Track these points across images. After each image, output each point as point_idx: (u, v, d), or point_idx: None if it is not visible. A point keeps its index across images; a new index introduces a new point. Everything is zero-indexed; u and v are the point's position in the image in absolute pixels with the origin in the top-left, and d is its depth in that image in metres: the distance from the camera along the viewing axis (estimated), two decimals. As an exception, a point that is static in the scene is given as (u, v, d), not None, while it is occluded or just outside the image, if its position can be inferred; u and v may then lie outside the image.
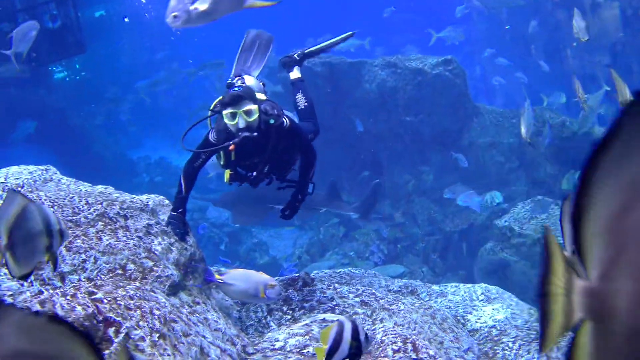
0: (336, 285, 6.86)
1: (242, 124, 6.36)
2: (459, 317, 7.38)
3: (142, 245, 4.87)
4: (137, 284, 4.49)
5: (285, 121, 6.75)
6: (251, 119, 6.36)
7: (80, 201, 5.19)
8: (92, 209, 5.10)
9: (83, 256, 4.60)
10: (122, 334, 3.83)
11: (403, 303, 6.58)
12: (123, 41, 30.68)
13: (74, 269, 4.54)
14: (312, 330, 5.61)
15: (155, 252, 4.93)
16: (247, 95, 6.46)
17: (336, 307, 6.19)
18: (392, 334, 5.65)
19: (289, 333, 5.51)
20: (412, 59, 17.48)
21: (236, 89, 6.54)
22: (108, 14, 30.17)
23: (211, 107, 7.12)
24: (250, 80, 7.37)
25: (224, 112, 6.37)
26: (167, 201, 5.82)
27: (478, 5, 34.02)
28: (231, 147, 6.50)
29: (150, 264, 4.75)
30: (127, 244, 4.78)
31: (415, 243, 16.09)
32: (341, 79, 17.15)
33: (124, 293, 4.17)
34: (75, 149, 22.23)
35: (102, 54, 28.29)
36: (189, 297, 5.05)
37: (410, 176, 17.19)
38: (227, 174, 6.96)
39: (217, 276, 5.14)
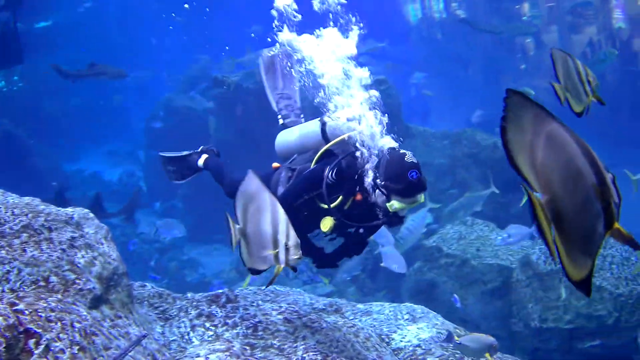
0: (260, 302, 6.92)
1: (405, 212, 5.85)
2: (383, 336, 7.44)
3: (66, 257, 4.90)
4: (59, 296, 4.52)
5: None
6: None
7: (7, 212, 5.20)
8: (17, 220, 5.10)
9: (7, 267, 4.60)
10: (42, 346, 3.86)
11: (326, 321, 6.66)
12: (65, 52, 30.40)
13: (-3, 280, 4.56)
14: (233, 346, 5.67)
15: (78, 265, 4.95)
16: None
17: (259, 324, 6.26)
18: (312, 352, 5.73)
19: (209, 349, 5.56)
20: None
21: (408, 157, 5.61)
22: (54, 24, 29.98)
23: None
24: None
25: (400, 202, 5.56)
26: (91, 214, 5.81)
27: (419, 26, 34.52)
28: (358, 197, 5.93)
29: (73, 276, 4.78)
30: (50, 256, 4.81)
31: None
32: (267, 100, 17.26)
33: (45, 305, 4.21)
34: (11, 159, 22.08)
35: (42, 65, 28.13)
36: (111, 311, 5.08)
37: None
38: (329, 221, 6.01)
39: (456, 338, 6.77)
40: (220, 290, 6.94)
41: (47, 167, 23.96)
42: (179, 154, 8.01)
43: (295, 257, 4.64)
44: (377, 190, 5.69)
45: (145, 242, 19.45)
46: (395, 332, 7.63)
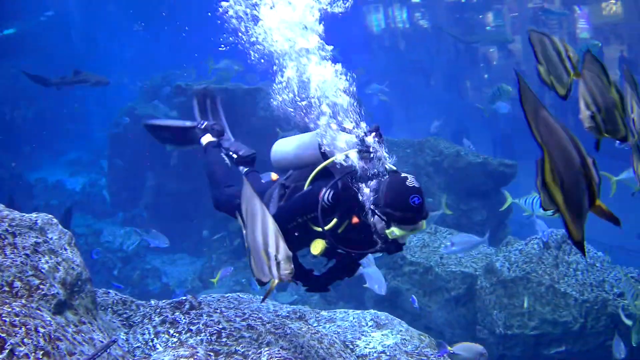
0: (223, 309, 6.92)
1: (405, 239, 5.52)
2: (347, 343, 7.47)
3: (29, 263, 4.88)
4: (23, 301, 4.51)
5: None
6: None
7: (-31, 219, 5.19)
8: (-20, 226, 5.09)
9: (-30, 273, 4.60)
10: (7, 350, 3.86)
11: (290, 327, 6.68)
12: (29, 59, 30.14)
13: (-40, 286, 4.55)
14: (197, 352, 5.68)
15: (42, 270, 4.94)
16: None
17: (222, 331, 6.26)
18: (277, 358, 5.75)
19: (174, 355, 5.56)
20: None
21: (410, 181, 5.33)
22: (19, 32, 29.84)
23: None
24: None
25: (401, 229, 5.28)
26: (55, 220, 5.78)
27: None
28: (355, 220, 5.60)
29: (37, 282, 4.77)
30: (14, 261, 4.79)
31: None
32: (237, 105, 17.24)
33: (9, 310, 4.20)
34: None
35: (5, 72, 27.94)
36: (75, 317, 5.07)
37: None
38: (320, 244, 5.68)
39: (449, 348, 7.66)
40: (184, 297, 6.92)
41: (9, 176, 23.77)
42: (181, 125, 7.67)
43: (286, 271, 4.46)
44: (376, 216, 5.40)
45: (109, 251, 19.38)
46: (359, 338, 7.67)
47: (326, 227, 5.55)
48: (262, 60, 6.26)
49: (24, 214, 5.53)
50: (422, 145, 17.41)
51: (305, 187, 5.90)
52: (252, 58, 6.30)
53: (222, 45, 6.83)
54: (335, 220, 5.59)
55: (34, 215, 5.61)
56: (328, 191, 5.55)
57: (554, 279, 11.03)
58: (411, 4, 34.70)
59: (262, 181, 6.79)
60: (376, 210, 5.38)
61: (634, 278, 10.85)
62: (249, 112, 17.56)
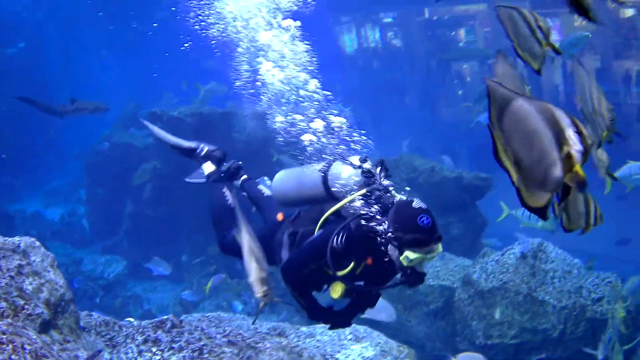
0: (204, 327, 7.03)
1: (423, 267, 5.30)
2: (327, 356, 7.58)
3: (14, 284, 5.00)
4: (10, 320, 4.63)
5: None
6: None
7: (-47, 244, 5.30)
8: (-36, 252, 5.21)
9: (-44, 296, 4.71)
10: (-6, 367, 3.98)
11: (270, 342, 6.80)
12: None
13: (-53, 308, 4.66)
14: (180, 368, 5.81)
15: (26, 291, 5.06)
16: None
17: (204, 347, 6.37)
18: (258, 371, 5.88)
19: (157, 371, 5.68)
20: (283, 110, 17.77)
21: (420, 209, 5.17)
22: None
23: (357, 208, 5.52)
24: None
25: (414, 252, 5.08)
26: (38, 243, 5.88)
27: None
28: (368, 261, 5.46)
29: (22, 302, 4.89)
30: (-1, 283, 4.92)
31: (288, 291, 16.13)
32: (212, 129, 17.28)
33: (-4, 329, 4.33)
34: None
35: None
36: (60, 336, 5.19)
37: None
38: (339, 287, 5.52)
39: (452, 358, 7.72)
40: (165, 317, 7.00)
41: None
42: (177, 144, 7.54)
43: (258, 294, 4.46)
44: (390, 245, 5.23)
45: (90, 280, 19.32)
46: (339, 351, 7.78)
47: (340, 273, 5.48)
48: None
49: (7, 237, 5.64)
50: (397, 162, 17.39)
51: (316, 232, 5.79)
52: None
53: (186, 44, 6.86)
54: (352, 264, 5.45)
55: (17, 238, 5.72)
56: (340, 234, 5.37)
57: (532, 287, 11.13)
58: (383, 23, 34.92)
59: (265, 191, 6.92)
60: (387, 239, 5.25)
61: (611, 283, 10.97)
62: (224, 135, 17.59)
